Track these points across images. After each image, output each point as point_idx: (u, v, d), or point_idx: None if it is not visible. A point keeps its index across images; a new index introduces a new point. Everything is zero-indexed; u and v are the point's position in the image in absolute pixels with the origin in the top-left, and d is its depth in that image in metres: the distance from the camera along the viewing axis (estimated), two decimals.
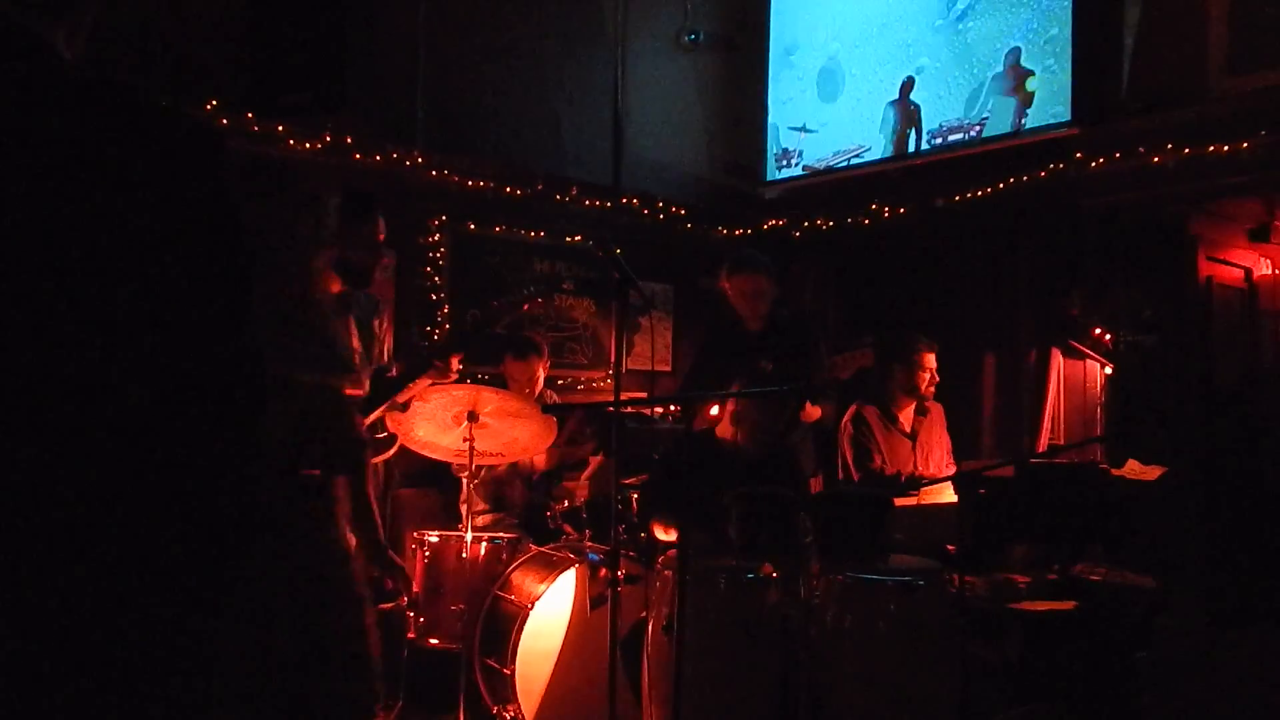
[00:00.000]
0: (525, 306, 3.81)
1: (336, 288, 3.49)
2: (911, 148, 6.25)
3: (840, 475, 5.20)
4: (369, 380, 3.59)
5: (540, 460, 4.97)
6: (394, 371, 3.77)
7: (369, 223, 3.46)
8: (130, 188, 1.37)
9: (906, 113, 6.30)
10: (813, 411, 4.69)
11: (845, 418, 5.22)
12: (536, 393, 5.10)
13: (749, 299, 4.78)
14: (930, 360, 5.15)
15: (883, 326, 6.08)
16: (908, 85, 6.32)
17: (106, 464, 1.34)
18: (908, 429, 5.20)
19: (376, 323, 3.70)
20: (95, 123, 1.38)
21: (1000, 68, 5.80)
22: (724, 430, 4.27)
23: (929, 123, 6.13)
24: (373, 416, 3.53)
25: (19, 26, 1.38)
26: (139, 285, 1.37)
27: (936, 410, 5.32)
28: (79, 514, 1.32)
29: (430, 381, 3.71)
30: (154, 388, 1.37)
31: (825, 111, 6.73)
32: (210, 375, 1.42)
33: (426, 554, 4.35)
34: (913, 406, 5.22)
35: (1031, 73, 5.68)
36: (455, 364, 3.68)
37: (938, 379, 5.18)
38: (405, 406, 3.83)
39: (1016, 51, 5.75)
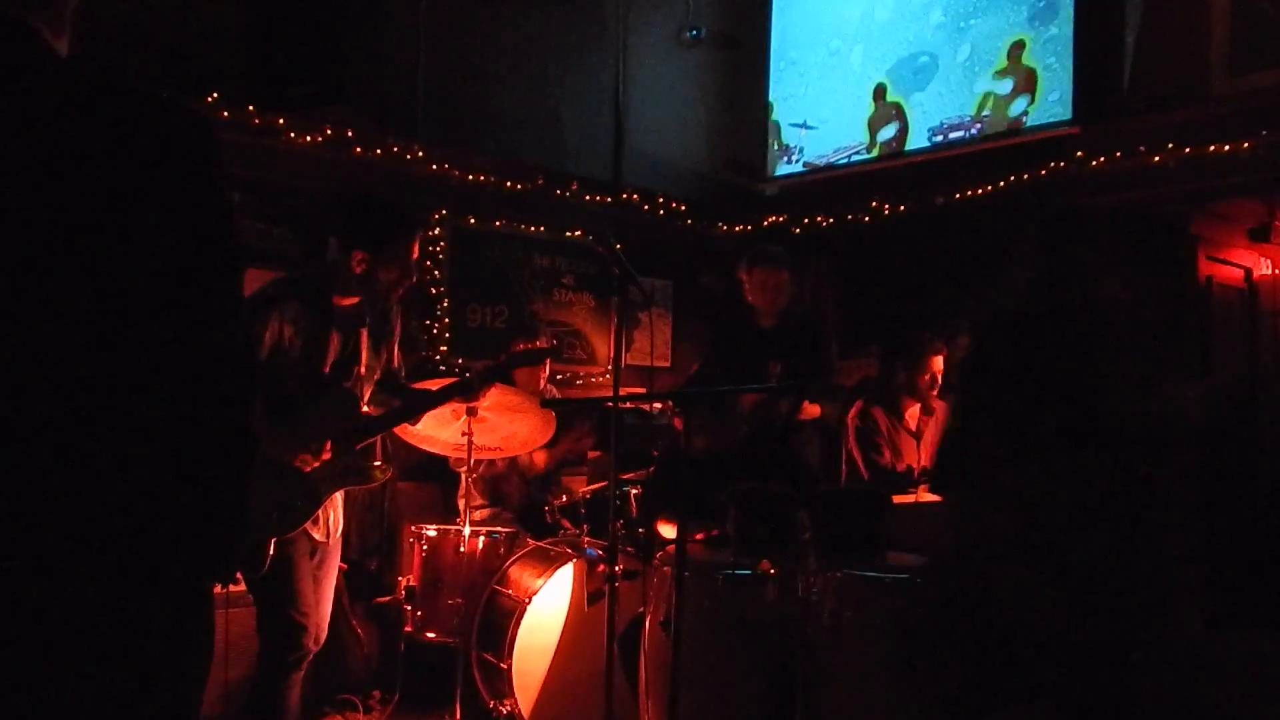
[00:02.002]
0: (547, 359, 3.89)
1: (351, 300, 3.40)
2: (898, 148, 6.26)
3: (846, 473, 5.19)
4: (371, 390, 3.53)
5: (540, 459, 4.97)
6: (403, 375, 3.72)
7: (405, 245, 3.33)
8: (120, 174, 1.36)
9: (887, 116, 6.32)
10: (810, 409, 4.68)
11: (851, 413, 5.21)
12: (540, 383, 5.10)
13: (770, 293, 4.77)
14: (936, 363, 5.12)
15: (883, 324, 6.08)
16: (879, 92, 6.34)
17: (98, 454, 1.34)
18: (913, 427, 5.19)
19: (390, 331, 3.60)
20: (84, 110, 1.37)
21: (1008, 63, 5.80)
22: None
23: (929, 120, 6.13)
24: (375, 434, 3.47)
25: (6, 14, 1.37)
26: (129, 273, 1.36)
27: (941, 409, 5.30)
28: (72, 503, 1.31)
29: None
30: (143, 377, 1.37)
31: (826, 108, 6.73)
32: (200, 364, 1.41)
33: (424, 548, 4.35)
34: (918, 405, 5.21)
35: (1034, 70, 5.68)
36: (485, 397, 3.66)
37: (940, 381, 5.15)
38: (418, 421, 3.79)
39: (1020, 45, 5.76)
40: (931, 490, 3.99)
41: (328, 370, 3.35)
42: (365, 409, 3.50)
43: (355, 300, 3.40)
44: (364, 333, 3.43)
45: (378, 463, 3.53)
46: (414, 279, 3.44)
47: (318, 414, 3.29)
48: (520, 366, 3.95)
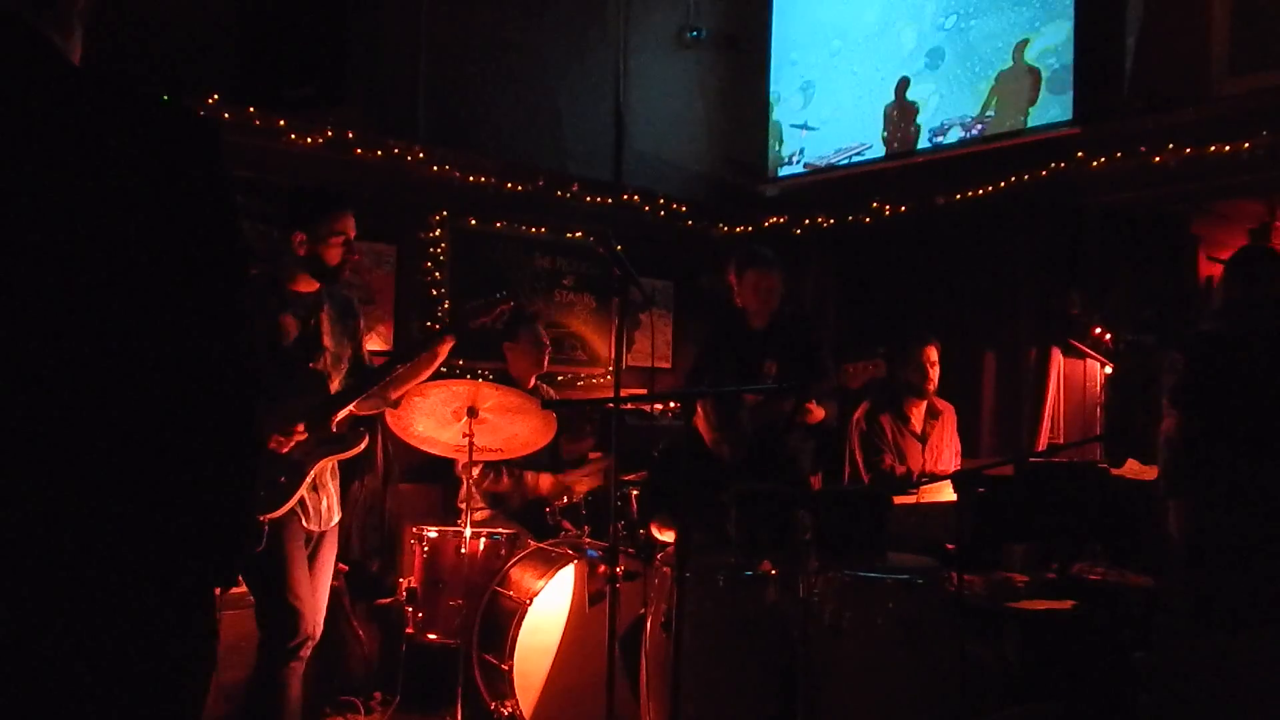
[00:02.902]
0: (499, 309, 3.85)
1: (307, 286, 3.51)
2: (908, 145, 6.26)
3: (847, 474, 5.19)
4: (340, 379, 3.57)
5: (545, 485, 4.96)
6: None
7: (336, 219, 3.44)
8: (127, 177, 1.37)
9: (904, 113, 6.31)
10: (816, 412, 4.66)
11: (857, 414, 5.20)
12: (546, 360, 5.11)
13: (760, 296, 4.73)
14: (932, 354, 5.13)
15: (883, 324, 6.08)
16: (903, 85, 6.33)
17: (100, 456, 1.34)
18: (919, 430, 5.19)
19: (354, 323, 3.67)
20: (91, 113, 1.37)
21: (1009, 63, 5.79)
22: (703, 430, 4.27)
23: (930, 121, 6.13)
24: (344, 411, 3.50)
25: (14, 19, 1.37)
26: (134, 276, 1.36)
27: (948, 412, 5.31)
28: (76, 507, 1.31)
29: (426, 370, 3.70)
30: (148, 380, 1.37)
31: (827, 109, 6.73)
32: (204, 367, 1.41)
33: (425, 549, 4.35)
34: (924, 407, 5.21)
35: (1035, 70, 5.68)
36: (444, 351, 3.66)
37: (938, 372, 5.17)
38: (397, 403, 3.80)
39: (1022, 45, 5.75)
40: (1167, 495, 4.12)
41: (291, 350, 3.43)
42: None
43: (313, 288, 3.51)
44: (324, 317, 3.52)
45: (360, 428, 3.57)
46: (357, 255, 3.55)
47: (287, 396, 3.36)
48: (476, 318, 3.92)
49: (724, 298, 4.94)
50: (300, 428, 3.33)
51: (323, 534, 3.51)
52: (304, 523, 3.41)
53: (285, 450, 3.32)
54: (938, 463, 5.18)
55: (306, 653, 3.40)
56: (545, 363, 5.15)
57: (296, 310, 3.47)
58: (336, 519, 3.57)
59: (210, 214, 1.44)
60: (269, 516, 3.27)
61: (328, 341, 3.52)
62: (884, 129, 6.38)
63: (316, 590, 3.47)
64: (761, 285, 4.72)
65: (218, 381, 1.42)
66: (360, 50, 5.10)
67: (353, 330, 3.65)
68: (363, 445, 3.61)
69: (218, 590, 1.51)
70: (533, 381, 5.12)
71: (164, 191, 1.39)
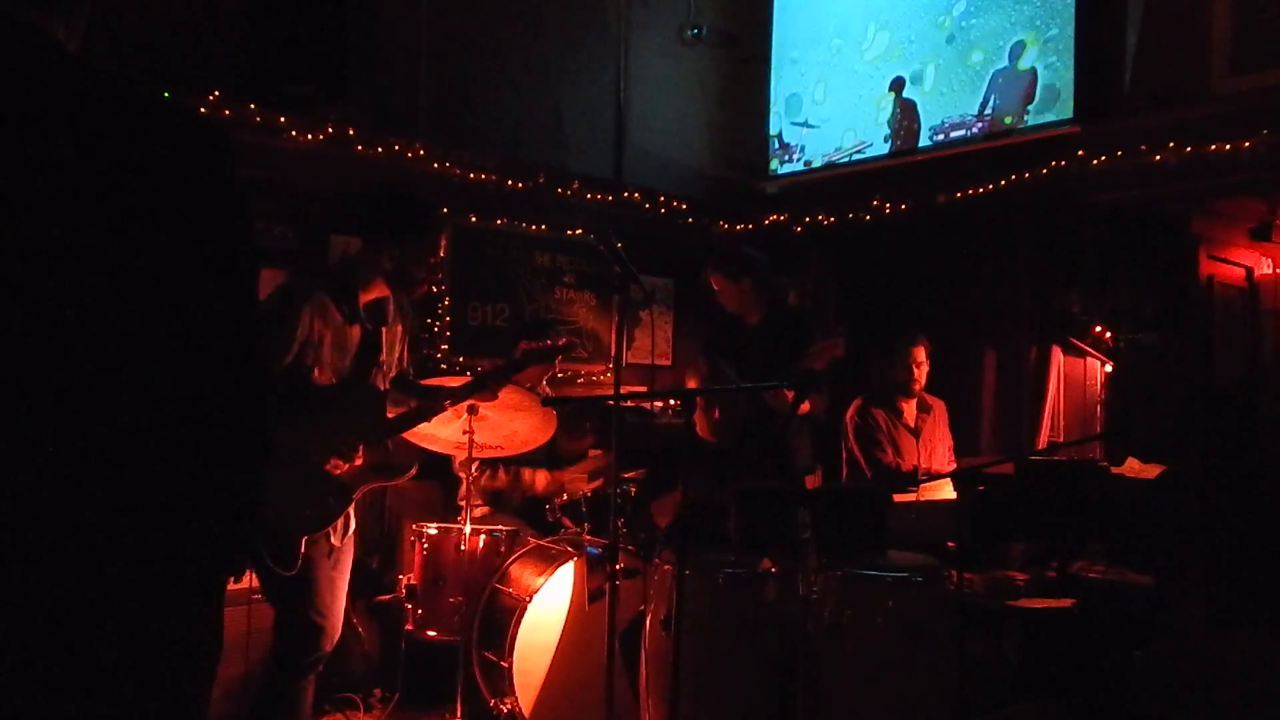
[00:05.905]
0: (558, 356, 3.93)
1: (377, 294, 3.42)
2: (911, 144, 6.25)
3: (846, 471, 5.19)
4: (388, 387, 3.54)
5: (541, 482, 4.96)
6: (412, 375, 3.73)
7: (434, 240, 3.38)
8: (137, 183, 1.37)
9: (902, 111, 6.31)
10: (801, 405, 4.67)
11: (850, 412, 5.21)
12: (542, 383, 5.09)
13: (729, 300, 4.81)
14: (919, 354, 5.15)
15: (883, 322, 6.08)
16: (898, 84, 6.33)
17: (115, 455, 1.34)
18: (912, 425, 5.20)
19: (408, 325, 3.63)
20: (102, 118, 1.37)
21: (1004, 63, 5.80)
22: (697, 421, 4.28)
23: (931, 119, 6.13)
24: (398, 434, 3.48)
25: (22, 21, 1.37)
26: (146, 280, 1.37)
27: (939, 407, 5.33)
28: (89, 505, 1.32)
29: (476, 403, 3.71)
30: (162, 380, 1.37)
31: (827, 107, 6.72)
32: (216, 365, 1.42)
33: (425, 546, 4.35)
34: (915, 403, 5.22)
35: (1034, 69, 5.68)
36: (500, 394, 3.66)
37: (926, 370, 5.18)
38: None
39: (1020, 45, 5.75)
40: None
41: (351, 364, 3.36)
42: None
43: (376, 296, 3.42)
44: (384, 330, 3.45)
45: (410, 459, 3.55)
46: (439, 274, 3.45)
47: (345, 413, 3.30)
48: (535, 364, 3.97)
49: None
50: (360, 449, 3.28)
51: (341, 544, 3.47)
52: (332, 538, 3.35)
53: (339, 474, 3.27)
54: (932, 457, 5.20)
55: (321, 665, 3.38)
56: (540, 386, 5.08)
57: (364, 321, 3.38)
58: (354, 527, 3.53)
59: (221, 218, 1.44)
60: (310, 536, 3.21)
61: (384, 355, 3.45)
62: (888, 128, 6.38)
63: (336, 601, 3.42)
64: (723, 287, 4.77)
65: (229, 379, 1.43)
66: (361, 47, 5.09)
67: (405, 334, 3.59)
68: (410, 475, 3.59)
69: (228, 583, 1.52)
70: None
71: (173, 194, 1.39)
